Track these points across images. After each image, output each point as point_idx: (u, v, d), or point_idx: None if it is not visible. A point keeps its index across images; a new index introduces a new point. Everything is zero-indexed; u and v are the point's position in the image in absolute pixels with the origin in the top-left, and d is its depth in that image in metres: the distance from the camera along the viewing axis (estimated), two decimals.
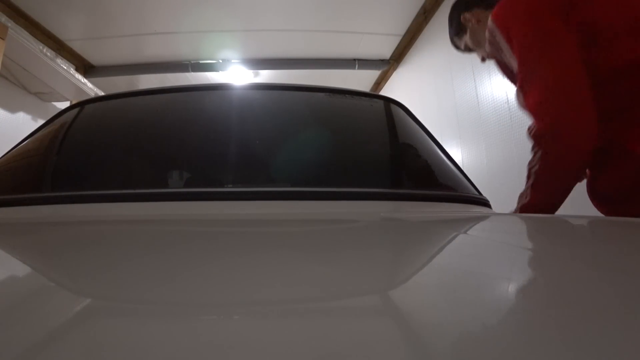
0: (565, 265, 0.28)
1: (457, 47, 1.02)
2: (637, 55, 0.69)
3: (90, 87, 3.17)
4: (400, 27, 3.18)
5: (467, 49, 0.99)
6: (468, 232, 0.46)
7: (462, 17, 0.93)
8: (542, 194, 0.77)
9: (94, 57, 3.49)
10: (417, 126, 0.93)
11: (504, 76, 0.89)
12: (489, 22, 0.79)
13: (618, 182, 0.75)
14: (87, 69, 3.55)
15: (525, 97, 0.72)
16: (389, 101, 0.96)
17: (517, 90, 0.75)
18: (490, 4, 0.85)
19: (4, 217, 0.59)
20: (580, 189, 0.88)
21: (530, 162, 0.77)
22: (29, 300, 0.22)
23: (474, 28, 0.92)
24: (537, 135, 0.73)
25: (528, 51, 0.71)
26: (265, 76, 3.91)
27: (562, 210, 0.85)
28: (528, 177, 0.79)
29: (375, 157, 0.81)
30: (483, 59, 0.97)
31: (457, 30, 0.97)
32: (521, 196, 0.81)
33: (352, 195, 0.62)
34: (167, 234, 0.45)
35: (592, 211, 0.88)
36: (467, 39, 0.95)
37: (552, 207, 0.79)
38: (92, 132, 0.85)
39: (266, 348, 0.15)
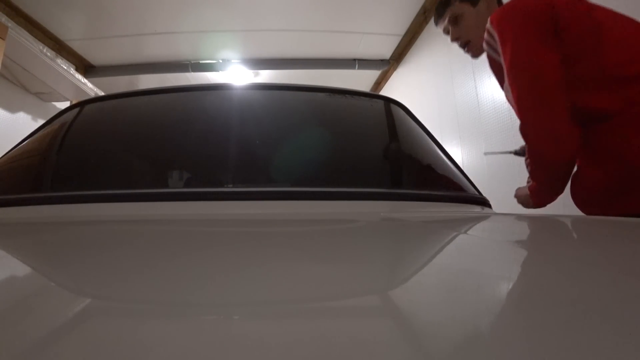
0: (565, 265, 0.28)
1: (438, 23, 1.15)
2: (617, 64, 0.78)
3: (90, 87, 3.17)
4: (400, 27, 3.18)
5: (447, 32, 1.12)
6: (468, 232, 0.46)
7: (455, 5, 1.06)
8: (539, 182, 0.89)
9: (94, 57, 3.49)
10: (417, 126, 0.93)
11: (492, 71, 0.97)
12: (488, 24, 0.89)
13: (602, 184, 0.81)
14: (87, 69, 3.55)
15: (512, 94, 0.82)
16: (389, 101, 0.96)
17: (506, 87, 0.85)
18: (474, 3, 1.03)
19: (4, 217, 0.59)
20: None
21: (526, 155, 0.88)
22: (30, 301, 0.22)
23: (467, 16, 1.05)
24: (521, 131, 0.83)
25: (515, 62, 0.81)
26: (265, 76, 3.91)
27: (556, 210, 0.89)
28: (527, 168, 0.91)
29: (376, 157, 0.81)
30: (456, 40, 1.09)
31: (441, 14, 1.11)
32: (528, 179, 0.94)
33: (352, 195, 0.62)
34: (168, 234, 0.45)
35: None
36: (455, 24, 1.07)
37: (553, 191, 0.90)
38: (92, 132, 0.85)
39: (267, 348, 0.15)
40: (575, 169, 0.86)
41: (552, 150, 0.79)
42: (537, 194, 0.91)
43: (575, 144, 0.78)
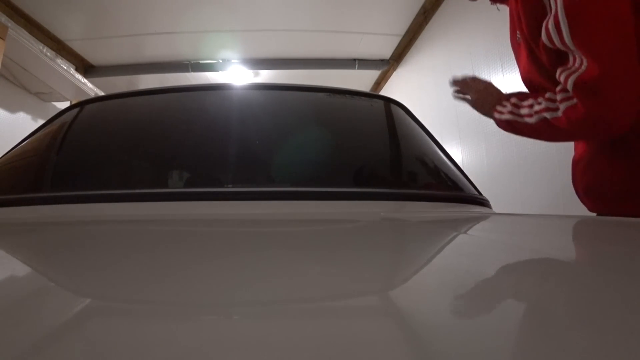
0: (565, 265, 0.28)
1: None
2: None
3: (90, 87, 3.17)
4: (400, 27, 3.18)
5: None
6: (468, 232, 0.46)
7: None
8: (549, 133, 0.73)
9: (94, 57, 3.49)
10: (417, 126, 0.93)
11: (522, 8, 0.75)
12: None
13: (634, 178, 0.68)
14: (87, 69, 3.55)
15: (579, 41, 0.64)
16: (389, 101, 0.96)
17: (552, 27, 0.66)
18: None
19: (4, 217, 0.59)
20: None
21: (549, 100, 0.69)
22: (29, 301, 0.22)
23: None
24: (582, 80, 0.63)
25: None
26: (265, 76, 3.91)
27: (556, 210, 0.85)
28: (535, 112, 0.71)
29: (376, 157, 0.81)
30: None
31: None
32: (517, 107, 0.75)
33: (352, 195, 0.62)
34: (168, 234, 0.45)
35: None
36: None
37: (539, 139, 0.78)
38: (92, 132, 0.85)
39: (267, 348, 0.15)
40: (591, 155, 0.75)
41: (616, 117, 0.63)
42: (521, 131, 0.74)
43: (633, 118, 0.63)
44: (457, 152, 2.46)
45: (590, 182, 0.78)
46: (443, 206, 0.69)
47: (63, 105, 3.13)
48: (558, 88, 0.68)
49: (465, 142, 2.41)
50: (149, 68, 3.59)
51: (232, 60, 3.59)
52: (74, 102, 1.59)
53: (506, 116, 0.77)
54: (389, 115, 0.91)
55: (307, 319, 0.19)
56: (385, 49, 3.52)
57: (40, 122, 1.13)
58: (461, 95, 0.90)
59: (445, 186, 0.80)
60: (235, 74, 3.77)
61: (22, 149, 0.84)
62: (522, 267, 0.30)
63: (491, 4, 0.91)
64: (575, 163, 0.83)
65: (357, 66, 3.64)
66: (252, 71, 3.79)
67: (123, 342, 0.16)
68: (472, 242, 0.40)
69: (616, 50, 0.62)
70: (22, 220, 0.57)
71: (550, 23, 0.66)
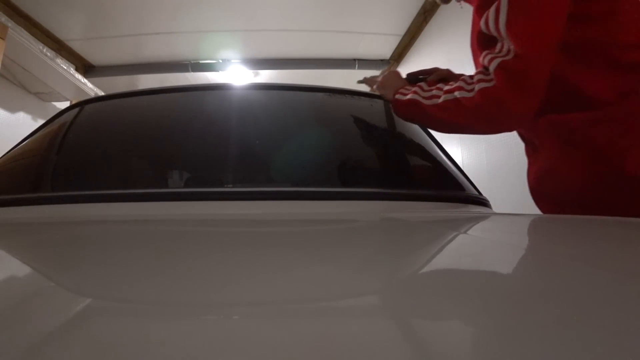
0: (566, 265, 0.28)
1: None
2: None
3: (90, 87, 3.17)
4: (400, 27, 3.17)
5: None
6: (468, 232, 0.46)
7: None
8: (436, 115, 0.72)
9: (94, 57, 3.49)
10: (417, 126, 0.93)
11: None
12: None
13: (581, 187, 0.69)
14: (87, 69, 3.55)
15: (517, 20, 0.64)
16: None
17: (493, 11, 0.66)
18: None
19: (4, 217, 0.59)
20: None
21: (463, 81, 0.70)
22: (29, 301, 0.22)
23: None
24: (506, 65, 0.64)
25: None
26: (265, 76, 3.91)
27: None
28: (445, 92, 0.71)
29: (376, 157, 0.81)
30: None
31: None
32: (423, 90, 0.75)
33: (352, 195, 0.62)
34: (168, 234, 0.45)
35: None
36: None
37: (439, 128, 0.77)
38: (92, 132, 0.85)
39: (266, 348, 0.15)
40: (546, 163, 0.75)
41: (526, 111, 0.65)
42: (421, 111, 0.73)
43: (534, 110, 0.66)
44: (457, 152, 2.46)
45: (550, 189, 0.77)
46: (443, 206, 0.69)
47: (63, 105, 3.13)
48: (478, 70, 0.69)
49: (465, 142, 2.41)
50: (149, 68, 3.59)
51: (232, 60, 3.59)
52: (74, 102, 1.59)
53: (410, 96, 0.76)
54: (389, 115, 0.91)
55: (307, 319, 0.19)
56: (385, 49, 3.51)
57: (40, 122, 1.14)
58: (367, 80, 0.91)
59: (445, 186, 0.80)
60: (235, 74, 3.76)
61: (22, 149, 0.84)
62: (522, 267, 0.30)
63: (456, 2, 0.93)
64: (532, 170, 0.82)
65: (357, 66, 3.64)
66: (252, 71, 3.79)
67: (123, 342, 0.16)
68: (472, 242, 0.40)
69: (546, 49, 0.63)
70: (22, 220, 0.57)
71: (492, 9, 0.67)
